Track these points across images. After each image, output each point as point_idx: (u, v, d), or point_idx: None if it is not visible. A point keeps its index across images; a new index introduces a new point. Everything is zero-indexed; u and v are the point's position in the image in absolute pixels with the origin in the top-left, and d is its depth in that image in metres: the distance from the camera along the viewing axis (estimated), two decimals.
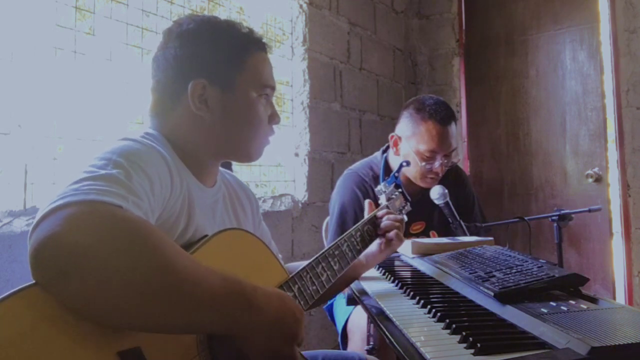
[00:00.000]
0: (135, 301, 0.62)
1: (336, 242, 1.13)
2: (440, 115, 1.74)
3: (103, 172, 0.71)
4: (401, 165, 1.52)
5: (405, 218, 1.39)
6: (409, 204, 1.45)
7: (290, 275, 0.99)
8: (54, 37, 1.58)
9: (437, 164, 1.75)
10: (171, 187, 0.86)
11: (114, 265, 0.61)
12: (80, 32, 1.67)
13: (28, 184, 1.49)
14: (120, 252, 0.62)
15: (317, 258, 1.05)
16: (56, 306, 0.62)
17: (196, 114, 0.95)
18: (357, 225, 1.22)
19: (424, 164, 1.74)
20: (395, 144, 1.83)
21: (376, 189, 1.42)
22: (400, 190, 1.43)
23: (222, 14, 2.38)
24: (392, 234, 1.25)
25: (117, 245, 0.62)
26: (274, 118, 1.04)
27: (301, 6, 2.66)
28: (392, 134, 1.85)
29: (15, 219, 1.40)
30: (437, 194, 1.70)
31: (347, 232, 1.18)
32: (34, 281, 0.62)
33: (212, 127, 0.97)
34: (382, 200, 1.36)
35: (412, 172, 1.79)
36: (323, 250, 1.09)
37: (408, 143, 1.77)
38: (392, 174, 1.45)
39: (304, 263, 1.05)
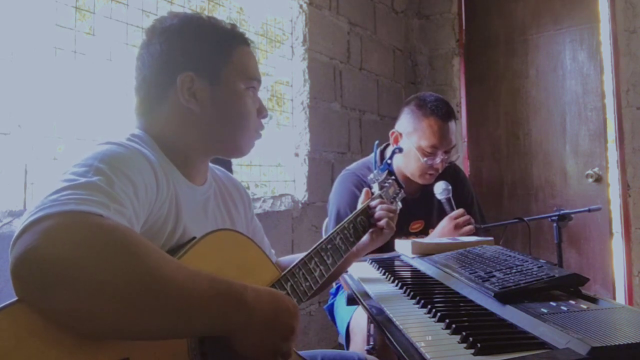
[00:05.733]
0: (119, 309, 0.61)
1: (329, 236, 1.11)
2: (441, 111, 1.75)
3: (83, 180, 0.70)
4: (394, 152, 1.51)
5: (400, 205, 1.39)
6: (402, 190, 1.44)
7: (283, 273, 0.98)
8: (54, 37, 1.58)
9: (437, 159, 1.76)
10: (157, 190, 0.84)
11: (96, 276, 0.60)
12: (80, 32, 1.67)
13: (28, 184, 1.49)
14: (101, 261, 0.61)
15: (309, 253, 1.04)
16: (42, 321, 0.61)
17: (185, 109, 0.94)
18: (349, 216, 1.21)
19: (425, 159, 1.75)
20: (396, 141, 1.83)
21: (369, 177, 1.40)
22: (393, 177, 1.42)
23: (222, 14, 2.38)
24: (383, 222, 1.24)
25: (98, 255, 0.61)
26: (262, 112, 1.03)
27: (301, 6, 2.66)
28: (393, 130, 1.85)
29: (15, 219, 1.40)
30: (440, 188, 1.73)
31: (339, 225, 1.16)
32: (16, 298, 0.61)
33: (202, 121, 0.95)
34: (375, 188, 1.34)
35: (411, 168, 1.80)
36: (316, 245, 1.07)
37: (409, 139, 1.78)
38: (384, 161, 1.44)
39: (297, 256, 1.03)
